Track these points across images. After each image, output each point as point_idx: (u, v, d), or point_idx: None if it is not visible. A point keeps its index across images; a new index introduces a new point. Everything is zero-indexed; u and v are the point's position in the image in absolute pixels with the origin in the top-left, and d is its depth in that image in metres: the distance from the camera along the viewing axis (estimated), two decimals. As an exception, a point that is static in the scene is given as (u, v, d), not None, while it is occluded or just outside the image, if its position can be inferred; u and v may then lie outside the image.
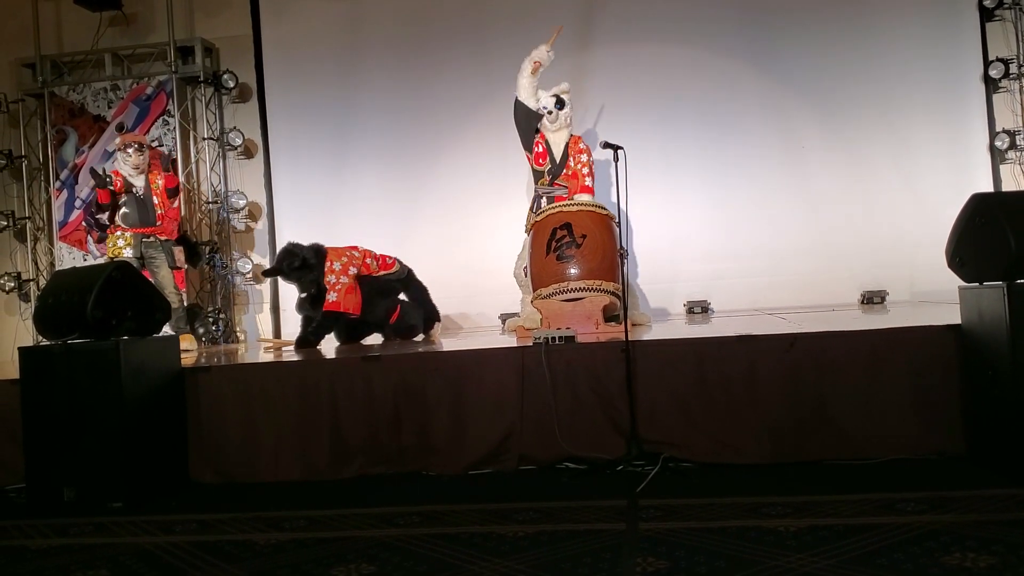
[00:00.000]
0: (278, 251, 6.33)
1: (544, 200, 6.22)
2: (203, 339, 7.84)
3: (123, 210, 6.88)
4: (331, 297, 5.96)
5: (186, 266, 7.20)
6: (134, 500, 4.04)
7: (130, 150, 6.90)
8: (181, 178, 7.98)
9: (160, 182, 6.96)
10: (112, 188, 6.82)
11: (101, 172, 6.99)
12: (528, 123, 6.29)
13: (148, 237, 6.88)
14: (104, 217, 7.13)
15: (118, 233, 6.86)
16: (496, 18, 8.07)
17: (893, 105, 7.49)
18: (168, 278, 6.90)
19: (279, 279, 6.45)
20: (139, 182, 6.91)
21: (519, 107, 6.29)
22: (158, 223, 6.91)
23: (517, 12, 7.95)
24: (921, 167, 7.43)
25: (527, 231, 6.26)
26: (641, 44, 7.81)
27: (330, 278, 5.98)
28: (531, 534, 3.15)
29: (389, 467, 4.37)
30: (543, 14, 7.74)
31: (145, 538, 3.49)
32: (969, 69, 7.43)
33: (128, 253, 6.78)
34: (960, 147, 7.42)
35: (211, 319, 8.06)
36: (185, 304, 7.42)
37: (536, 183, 6.33)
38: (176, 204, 7.15)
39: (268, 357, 6.02)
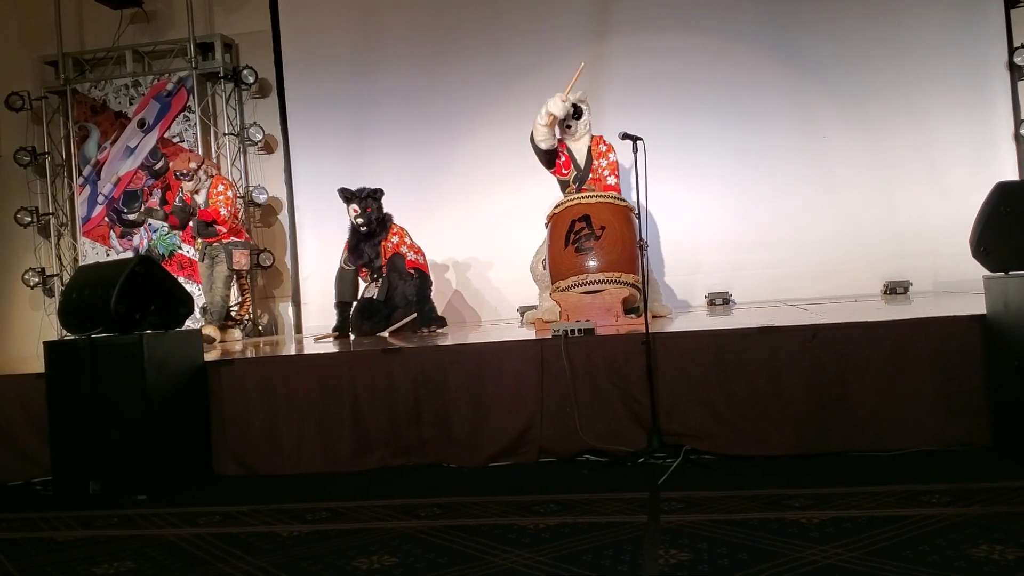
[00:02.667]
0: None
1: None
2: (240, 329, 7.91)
3: (191, 223, 7.31)
4: (420, 259, 6.61)
5: (245, 267, 7.33)
6: (158, 492, 4.08)
7: (183, 178, 7.19)
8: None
9: (219, 195, 7.20)
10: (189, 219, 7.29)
11: (179, 207, 7.32)
12: (545, 156, 6.20)
13: (212, 244, 7.26)
14: (131, 216, 7.39)
15: (195, 245, 7.52)
16: (512, 9, 8.06)
17: (916, 93, 7.41)
18: (221, 275, 7.20)
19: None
20: (200, 198, 7.19)
21: (534, 147, 6.17)
22: (219, 232, 7.20)
23: (533, 2, 7.92)
24: (944, 155, 7.35)
25: (546, 225, 6.23)
26: (659, 33, 7.77)
27: (402, 247, 6.54)
28: (552, 526, 3.15)
29: (410, 459, 4.39)
30: (559, 4, 7.72)
31: (169, 530, 3.52)
32: (994, 56, 7.34)
33: (198, 258, 7.43)
34: (984, 135, 7.34)
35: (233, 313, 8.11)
36: (244, 310, 7.64)
37: (563, 191, 6.21)
38: (229, 218, 7.26)
39: (291, 350, 6.06)
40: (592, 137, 6.21)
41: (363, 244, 6.49)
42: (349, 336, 6.47)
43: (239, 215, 7.56)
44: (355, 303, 6.57)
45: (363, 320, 6.42)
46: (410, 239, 6.67)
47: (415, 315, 6.38)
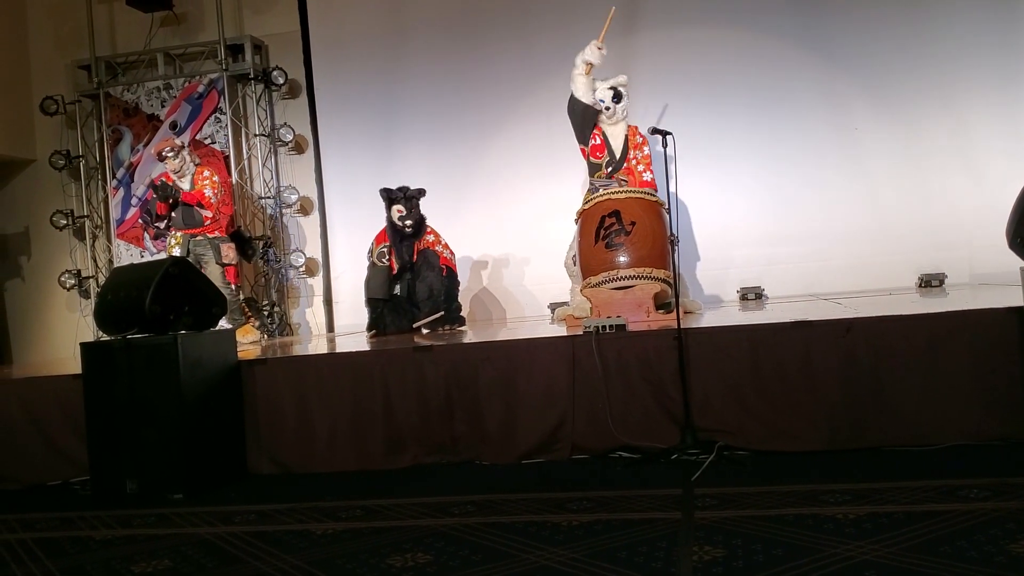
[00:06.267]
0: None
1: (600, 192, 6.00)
2: (261, 331, 7.95)
3: (172, 214, 7.08)
4: (452, 260, 6.70)
5: (234, 261, 7.30)
6: (194, 491, 4.13)
7: (169, 155, 7.03)
8: (234, 176, 8.15)
9: (205, 180, 7.06)
10: (172, 200, 6.97)
11: (161, 185, 7.09)
12: (585, 118, 6.07)
13: (196, 236, 7.06)
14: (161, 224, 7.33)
15: (171, 234, 7.10)
16: (540, 4, 8.04)
17: (949, 83, 7.28)
18: (216, 274, 7.02)
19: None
20: (185, 185, 7.03)
21: (576, 103, 6.08)
22: (205, 222, 7.05)
23: (562, -1, 7.92)
24: (979, 146, 7.22)
25: (576, 221, 6.22)
26: (688, 26, 7.71)
27: (437, 246, 6.65)
28: (586, 523, 3.15)
29: (443, 457, 4.41)
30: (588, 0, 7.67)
31: (206, 528, 3.56)
32: (1028, 44, 7.22)
33: (177, 252, 6.98)
34: (1020, 125, 7.19)
35: (266, 312, 8.18)
36: (242, 298, 7.56)
37: (592, 176, 6.13)
38: (215, 202, 7.12)
39: (323, 349, 6.10)
40: (628, 126, 6.15)
41: (402, 244, 6.55)
42: (385, 333, 6.53)
43: (222, 208, 7.23)
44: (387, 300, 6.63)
45: (398, 318, 6.52)
46: (444, 240, 6.75)
47: (443, 312, 6.44)
